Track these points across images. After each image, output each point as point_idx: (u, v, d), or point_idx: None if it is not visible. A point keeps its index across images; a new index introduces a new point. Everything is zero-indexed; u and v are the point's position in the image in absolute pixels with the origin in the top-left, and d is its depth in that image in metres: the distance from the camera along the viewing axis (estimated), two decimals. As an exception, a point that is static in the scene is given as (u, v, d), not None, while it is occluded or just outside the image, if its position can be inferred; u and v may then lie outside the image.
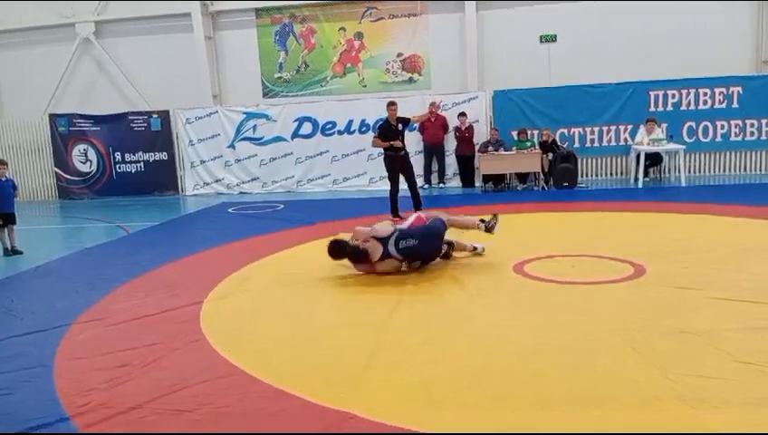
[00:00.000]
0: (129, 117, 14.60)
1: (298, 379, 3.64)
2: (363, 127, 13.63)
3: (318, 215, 9.96)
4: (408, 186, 9.27)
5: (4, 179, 8.44)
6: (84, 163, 14.80)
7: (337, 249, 5.97)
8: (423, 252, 5.97)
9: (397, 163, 9.16)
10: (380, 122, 9.90)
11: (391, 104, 9.24)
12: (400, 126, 9.18)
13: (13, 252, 8.28)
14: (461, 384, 3.49)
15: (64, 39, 15.29)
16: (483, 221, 6.32)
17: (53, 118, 14.76)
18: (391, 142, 9.02)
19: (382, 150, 9.35)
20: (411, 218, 6.27)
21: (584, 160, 13.14)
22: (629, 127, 12.86)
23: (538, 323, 4.42)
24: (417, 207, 8.99)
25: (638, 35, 13.20)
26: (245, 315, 4.99)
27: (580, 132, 13.14)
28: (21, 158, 15.11)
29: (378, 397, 3.38)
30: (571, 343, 4.01)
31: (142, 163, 14.73)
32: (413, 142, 13.41)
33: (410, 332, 4.40)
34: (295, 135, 13.99)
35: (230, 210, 11.40)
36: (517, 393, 3.35)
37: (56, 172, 14.91)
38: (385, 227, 6.02)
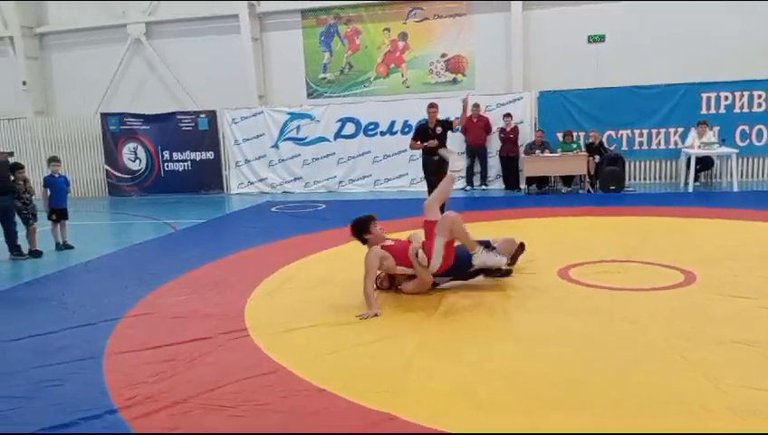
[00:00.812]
0: (178, 116, 14.95)
1: (340, 378, 3.65)
2: (406, 128, 13.61)
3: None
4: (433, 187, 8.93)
5: (57, 176, 8.74)
6: (134, 161, 15.22)
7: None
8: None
9: (431, 167, 8.82)
10: (420, 123, 9.61)
11: (431, 106, 8.96)
12: (439, 129, 8.81)
13: (64, 246, 8.57)
14: (502, 388, 3.45)
15: (116, 39, 15.74)
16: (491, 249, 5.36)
17: (105, 116, 15.22)
18: (425, 143, 8.71)
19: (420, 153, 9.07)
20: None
21: (632, 163, 12.85)
22: (680, 130, 12.51)
23: (582, 329, 4.33)
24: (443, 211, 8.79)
25: (690, 36, 12.82)
26: (289, 313, 5.03)
27: (628, 135, 12.85)
28: (73, 155, 15.62)
29: (418, 398, 3.37)
30: (616, 349, 3.92)
31: (189, 162, 15.05)
32: (456, 143, 13.38)
33: (451, 334, 4.38)
34: (338, 135, 14.08)
35: (273, 209, 11.54)
36: (559, 398, 3.30)
37: (106, 169, 15.36)
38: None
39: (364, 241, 5.34)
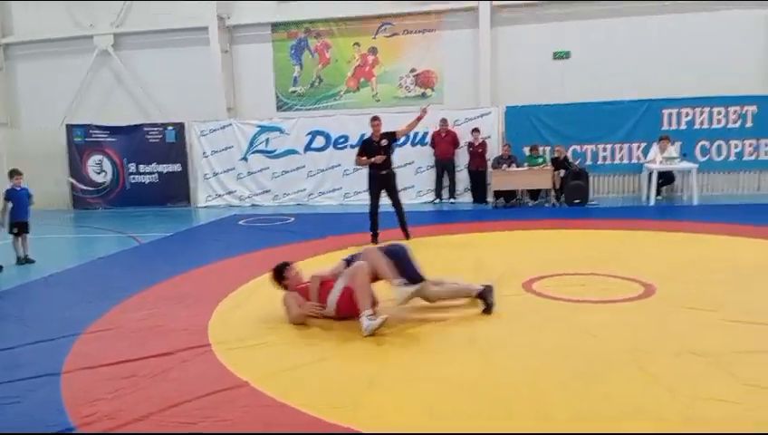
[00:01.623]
0: (145, 128, 14.79)
1: (302, 394, 3.64)
2: (375, 141, 13.70)
3: (329, 228, 9.99)
4: (393, 206, 8.68)
5: (19, 189, 8.57)
6: (99, 173, 14.98)
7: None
8: None
9: (377, 182, 8.59)
10: (364, 138, 9.21)
11: (374, 119, 8.69)
12: (384, 141, 8.55)
13: (26, 260, 8.38)
14: (464, 401, 3.48)
15: (83, 51, 15.52)
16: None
17: (70, 128, 14.98)
18: (372, 160, 8.43)
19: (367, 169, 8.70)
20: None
21: (596, 178, 13.10)
22: (642, 145, 12.83)
23: (545, 342, 4.39)
24: (404, 228, 8.58)
25: (652, 53, 13.16)
26: (253, 328, 4.99)
27: (592, 149, 13.12)
28: (37, 167, 15.24)
29: (381, 413, 3.38)
30: (579, 362, 3.99)
31: (156, 174, 14.88)
32: (425, 157, 13.51)
33: (415, 347, 4.39)
34: (308, 148, 14.09)
35: (241, 222, 11.47)
36: (520, 411, 3.34)
37: (71, 182, 15.09)
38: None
39: (284, 287, 5.27)
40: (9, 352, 4.64)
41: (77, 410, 3.52)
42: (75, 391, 3.82)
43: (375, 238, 8.47)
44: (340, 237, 9.05)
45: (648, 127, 12.70)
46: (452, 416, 3.31)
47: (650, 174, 12.01)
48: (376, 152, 8.45)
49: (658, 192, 12.13)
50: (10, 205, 8.42)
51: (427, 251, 8.15)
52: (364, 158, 8.56)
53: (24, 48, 16.02)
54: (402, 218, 8.67)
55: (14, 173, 8.70)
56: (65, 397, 3.73)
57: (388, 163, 8.57)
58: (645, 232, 8.81)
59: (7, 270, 7.93)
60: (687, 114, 12.68)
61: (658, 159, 12.04)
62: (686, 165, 11.94)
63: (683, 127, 12.69)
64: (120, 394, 3.71)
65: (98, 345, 4.69)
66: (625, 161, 13.03)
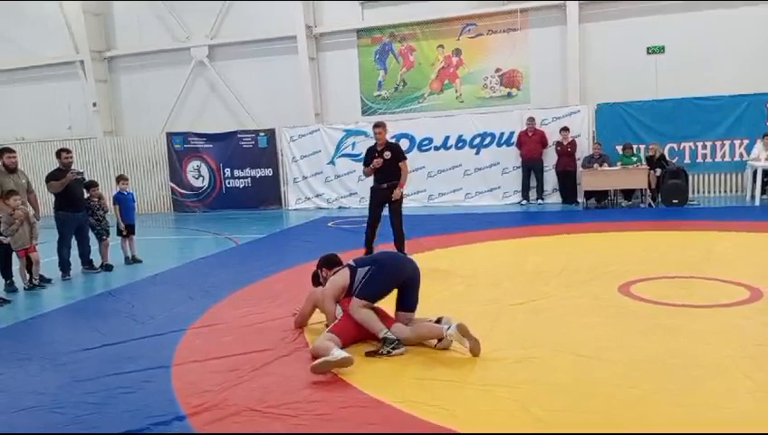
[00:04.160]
0: (239, 135, 15.44)
1: (398, 390, 3.71)
2: (460, 142, 13.70)
3: (412, 230, 10.01)
4: (391, 224, 7.76)
5: (126, 193, 9.16)
6: (197, 178, 15.77)
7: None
8: None
9: (378, 195, 7.77)
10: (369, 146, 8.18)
11: (377, 126, 7.66)
12: (388, 154, 7.58)
13: (133, 260, 8.96)
14: (560, 404, 3.44)
15: (181, 62, 16.44)
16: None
17: (170, 136, 15.86)
18: (370, 165, 7.61)
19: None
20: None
21: (695, 177, 12.51)
22: (745, 142, 12.12)
23: (643, 347, 4.26)
24: (399, 248, 7.61)
25: (753, 45, 12.43)
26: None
27: (690, 147, 12.52)
28: (140, 173, 16.30)
29: (476, 413, 3.40)
30: (679, 368, 3.85)
31: (249, 179, 15.50)
32: (511, 157, 13.33)
33: (510, 348, 4.36)
34: (393, 151, 14.20)
35: (329, 224, 11.75)
36: (618, 416, 3.27)
37: (172, 187, 15.97)
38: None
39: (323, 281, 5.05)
40: (122, 345, 5.00)
41: (187, 401, 3.75)
42: (184, 382, 4.07)
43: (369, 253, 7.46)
44: (423, 238, 9.08)
45: (752, 123, 11.98)
46: (547, 418, 3.28)
47: (754, 172, 11.34)
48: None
49: (764, 191, 11.43)
50: (118, 208, 9.02)
51: (513, 254, 8.10)
52: (368, 168, 7.75)
53: (127, 61, 17.12)
54: (400, 236, 7.75)
55: (120, 178, 9.30)
56: (176, 387, 3.98)
57: (389, 176, 7.66)
58: (749, 233, 8.33)
59: (117, 269, 8.51)
60: (795, 108, 11.87)
61: (763, 156, 11.34)
62: (793, 162, 11.18)
63: (790, 122, 11.89)
64: (226, 386, 3.92)
65: (203, 340, 4.97)
66: (727, 159, 12.35)
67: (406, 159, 7.85)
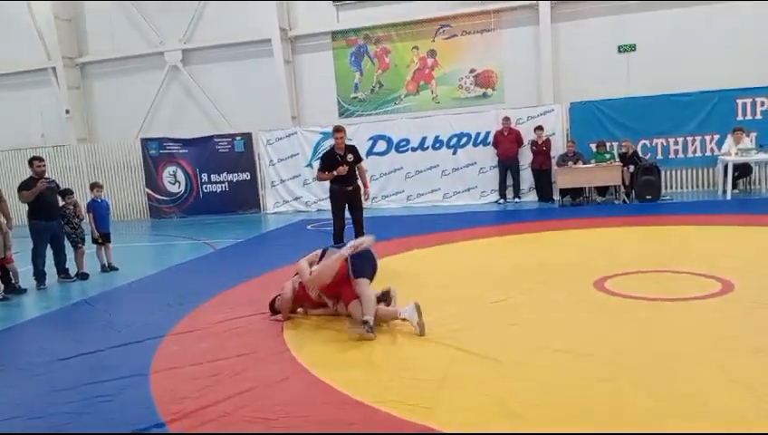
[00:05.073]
0: (215, 139, 15.36)
1: (377, 390, 3.74)
2: (437, 143, 13.79)
3: (392, 230, 10.09)
4: (354, 225, 7.84)
5: (99, 200, 9.06)
6: (173, 184, 15.64)
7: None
8: None
9: (341, 198, 7.79)
10: (325, 151, 8.33)
11: (337, 131, 7.59)
12: (351, 157, 7.64)
13: (109, 268, 8.87)
14: (538, 400, 3.48)
15: (154, 67, 16.32)
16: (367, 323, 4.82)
17: (145, 141, 15.70)
18: (334, 172, 7.53)
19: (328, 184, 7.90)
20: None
21: (668, 172, 12.72)
22: (716, 137, 12.36)
23: (619, 341, 4.33)
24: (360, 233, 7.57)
25: (723, 41, 12.68)
26: (326, 329, 5.14)
27: (662, 143, 12.73)
28: (115, 179, 16.13)
29: (454, 411, 3.43)
30: (654, 361, 3.92)
31: (227, 183, 15.43)
32: (487, 157, 13.44)
33: (488, 345, 4.40)
34: (370, 153, 14.22)
35: (309, 227, 11.74)
36: (595, 410, 3.32)
37: (148, 193, 15.81)
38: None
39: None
40: (99, 354, 4.95)
41: (166, 408, 3.73)
42: (163, 389, 4.04)
43: None
44: (404, 239, 9.13)
45: (722, 118, 12.21)
46: (526, 414, 3.33)
47: (725, 167, 11.55)
48: (339, 165, 7.58)
49: (734, 185, 11.64)
50: (92, 216, 8.92)
51: (491, 252, 8.17)
52: (326, 173, 7.66)
53: (100, 67, 16.93)
54: (362, 228, 7.82)
55: (94, 186, 9.21)
56: (155, 395, 3.96)
57: (352, 178, 7.72)
58: (721, 227, 8.49)
59: (93, 278, 8.43)
60: (763, 103, 12.12)
61: (733, 150, 11.56)
62: (762, 156, 11.42)
63: (758, 117, 12.13)
64: (205, 392, 3.91)
65: (181, 347, 4.94)
66: (698, 154, 12.58)
67: (361, 160, 8.05)
